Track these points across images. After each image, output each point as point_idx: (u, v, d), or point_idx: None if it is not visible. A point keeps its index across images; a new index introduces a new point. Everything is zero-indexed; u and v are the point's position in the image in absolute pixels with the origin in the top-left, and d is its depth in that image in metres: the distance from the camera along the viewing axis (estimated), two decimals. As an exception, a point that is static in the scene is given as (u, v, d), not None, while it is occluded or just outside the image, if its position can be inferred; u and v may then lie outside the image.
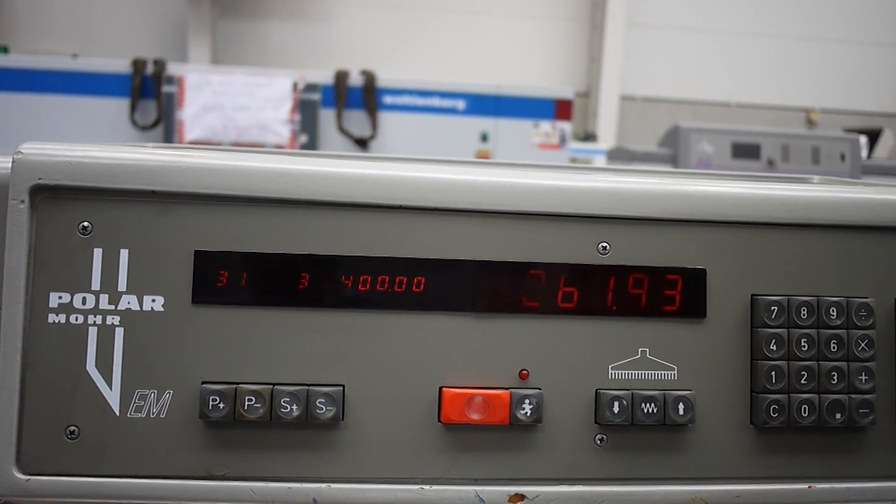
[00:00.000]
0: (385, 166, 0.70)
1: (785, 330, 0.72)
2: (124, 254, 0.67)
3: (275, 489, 0.65)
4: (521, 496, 0.68)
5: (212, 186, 0.67)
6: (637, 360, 0.71)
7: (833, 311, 0.72)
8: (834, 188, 0.76)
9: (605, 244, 0.71)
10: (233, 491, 0.65)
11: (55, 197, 0.66)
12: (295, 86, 3.98)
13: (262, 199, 0.67)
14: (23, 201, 0.65)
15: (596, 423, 0.70)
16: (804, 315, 0.72)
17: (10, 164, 0.65)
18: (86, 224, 0.67)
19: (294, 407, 0.66)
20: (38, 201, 0.66)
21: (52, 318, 0.66)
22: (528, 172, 0.72)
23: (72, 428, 0.65)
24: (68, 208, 0.66)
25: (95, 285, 0.66)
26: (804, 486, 0.71)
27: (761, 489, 0.71)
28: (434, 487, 0.67)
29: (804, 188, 0.75)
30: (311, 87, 4.00)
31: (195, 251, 0.67)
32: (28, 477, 0.64)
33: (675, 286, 0.72)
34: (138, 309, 0.66)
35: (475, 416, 0.68)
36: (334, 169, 0.68)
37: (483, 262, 0.69)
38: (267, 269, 0.67)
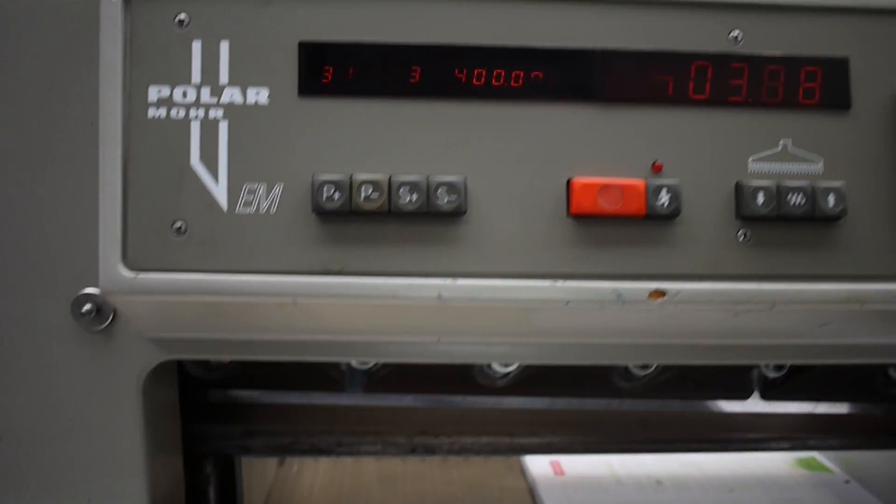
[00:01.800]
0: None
1: (942, 114, 0.65)
2: (224, 45, 0.62)
3: (397, 285, 0.60)
4: (661, 292, 0.62)
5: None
6: (778, 152, 0.65)
7: None
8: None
9: (736, 33, 0.65)
10: (352, 286, 0.60)
11: (150, -16, 0.61)
12: None
13: (369, -18, 0.62)
14: (117, -12, 0.60)
15: (738, 217, 0.64)
16: (963, 98, 0.65)
17: (102, -51, 0.61)
18: (182, 17, 0.62)
19: (414, 196, 0.60)
20: (133, -11, 0.61)
21: (151, 112, 0.61)
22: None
23: (178, 224, 0.60)
24: (163, 0, 0.62)
25: (196, 78, 0.62)
26: (974, 278, 0.64)
27: (929, 281, 0.64)
28: (568, 283, 0.62)
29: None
30: None
31: (300, 42, 0.62)
32: (136, 273, 0.60)
33: (814, 78, 0.66)
34: (242, 102, 0.62)
35: (608, 207, 0.62)
36: (444, -48, 0.63)
37: (608, 51, 0.64)
38: (378, 59, 0.62)
